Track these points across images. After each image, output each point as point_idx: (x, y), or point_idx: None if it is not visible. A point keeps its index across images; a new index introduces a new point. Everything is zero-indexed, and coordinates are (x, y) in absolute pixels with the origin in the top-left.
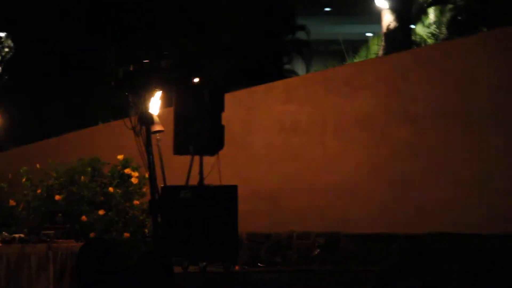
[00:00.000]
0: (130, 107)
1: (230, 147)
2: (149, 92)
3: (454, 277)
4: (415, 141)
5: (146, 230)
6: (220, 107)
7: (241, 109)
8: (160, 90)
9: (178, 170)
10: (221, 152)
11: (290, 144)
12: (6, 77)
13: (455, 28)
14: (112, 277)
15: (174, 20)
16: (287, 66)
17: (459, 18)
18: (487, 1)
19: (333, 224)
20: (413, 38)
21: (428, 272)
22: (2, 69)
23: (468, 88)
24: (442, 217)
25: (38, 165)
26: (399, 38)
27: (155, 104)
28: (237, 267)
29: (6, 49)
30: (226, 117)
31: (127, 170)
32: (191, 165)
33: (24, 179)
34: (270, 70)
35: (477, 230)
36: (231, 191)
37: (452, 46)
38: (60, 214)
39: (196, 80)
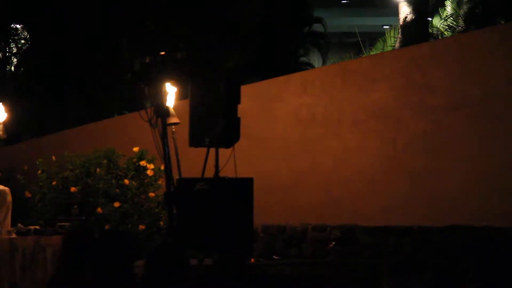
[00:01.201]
0: (145, 99)
1: (246, 139)
2: (165, 84)
3: (469, 271)
4: (432, 134)
5: (161, 223)
6: (236, 99)
7: (258, 101)
8: (176, 81)
9: (193, 162)
10: (237, 145)
11: (306, 136)
12: (22, 68)
13: (472, 20)
14: (127, 269)
15: (191, 11)
16: (303, 59)
17: (477, 10)
18: None
19: (349, 216)
20: (430, 30)
21: (442, 266)
22: (18, 60)
23: (485, 80)
24: (459, 210)
25: (54, 157)
26: (416, 31)
27: (170, 96)
28: (252, 260)
29: (23, 41)
30: (242, 109)
31: (142, 162)
32: (206, 158)
33: (39, 171)
34: (286, 62)
35: (494, 223)
36: (247, 183)
37: (470, 39)
38: (75, 206)
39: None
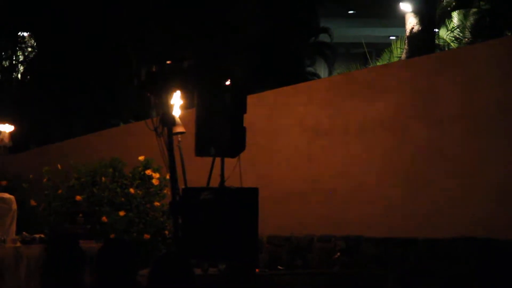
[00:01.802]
0: (152, 108)
1: (252, 149)
2: (171, 93)
3: (473, 281)
4: (437, 144)
5: (166, 232)
6: (242, 109)
7: (264, 111)
8: (182, 91)
9: (199, 172)
10: (242, 154)
11: (312, 146)
12: (28, 76)
13: (479, 32)
14: (130, 278)
15: (198, 21)
16: (309, 69)
17: (483, 22)
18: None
19: (354, 227)
20: (436, 42)
21: (447, 276)
22: (25, 69)
23: (491, 92)
24: (463, 221)
25: (59, 166)
26: (422, 42)
27: (177, 105)
28: (257, 270)
29: (29, 49)
30: (248, 118)
31: (148, 171)
32: (212, 167)
33: (45, 179)
34: (293, 72)
35: (498, 235)
36: (252, 193)
37: (477, 50)
38: (80, 215)
39: (219, 81)
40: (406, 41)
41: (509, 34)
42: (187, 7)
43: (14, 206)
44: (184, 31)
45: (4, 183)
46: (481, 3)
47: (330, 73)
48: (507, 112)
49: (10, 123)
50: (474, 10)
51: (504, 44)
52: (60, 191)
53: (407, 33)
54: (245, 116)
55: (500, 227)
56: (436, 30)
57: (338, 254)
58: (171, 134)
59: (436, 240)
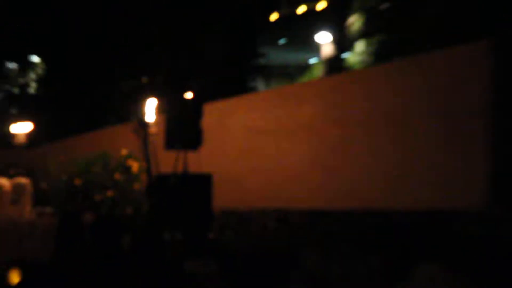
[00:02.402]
0: (132, 114)
1: (208, 144)
2: (147, 102)
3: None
4: (344, 140)
5: (143, 208)
6: (200, 114)
7: (216, 116)
8: (156, 100)
9: (168, 162)
10: (201, 148)
11: (252, 142)
12: (41, 91)
13: (378, 56)
14: (116, 241)
15: (167, 45)
16: (251, 84)
17: (381, 49)
18: (403, 37)
19: (284, 202)
20: (345, 64)
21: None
22: (38, 85)
23: (383, 102)
24: (366, 196)
25: (62, 157)
26: (334, 64)
27: (151, 111)
28: (211, 235)
29: (40, 71)
30: (205, 121)
31: (129, 162)
32: (177, 158)
33: (52, 168)
34: (239, 87)
35: (392, 208)
36: (208, 178)
37: (373, 71)
38: (79, 195)
39: (183, 94)
40: (323, 64)
41: (399, 59)
42: (162, 35)
43: (29, 187)
44: (158, 53)
45: (21, 170)
46: (379, 35)
47: (266, 87)
48: (394, 120)
49: (31, 122)
50: (375, 39)
51: (395, 66)
52: (63, 177)
53: (323, 58)
54: (203, 120)
55: (391, 202)
56: (345, 54)
57: (272, 222)
58: (146, 133)
59: (347, 212)
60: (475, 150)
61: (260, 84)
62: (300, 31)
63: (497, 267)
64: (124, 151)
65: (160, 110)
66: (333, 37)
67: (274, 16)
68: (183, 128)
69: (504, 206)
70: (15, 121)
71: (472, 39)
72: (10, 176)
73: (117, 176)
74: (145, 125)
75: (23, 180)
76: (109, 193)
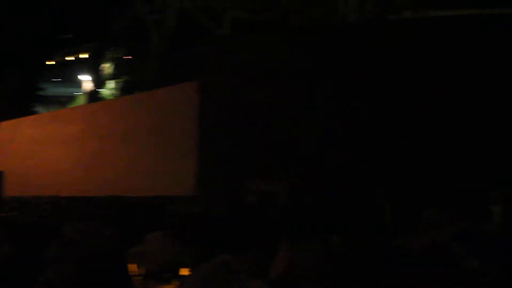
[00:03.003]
0: None
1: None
2: None
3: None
4: (101, 148)
5: None
6: None
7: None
8: None
9: None
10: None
11: (34, 152)
12: None
13: (123, 91)
14: None
15: None
16: (34, 109)
17: (125, 86)
18: (139, 79)
19: (57, 190)
20: (101, 95)
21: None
22: None
23: (124, 122)
24: (115, 186)
25: None
26: (93, 95)
27: None
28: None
29: None
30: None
31: None
32: None
33: None
34: (24, 111)
35: (131, 193)
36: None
37: (120, 101)
38: None
39: None
40: (85, 95)
41: (136, 93)
42: None
43: None
44: None
45: None
46: (124, 77)
47: (45, 111)
48: (130, 135)
49: None
50: (120, 80)
51: (134, 98)
52: None
53: (84, 91)
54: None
55: (131, 191)
56: (101, 89)
57: (49, 207)
58: None
59: (101, 198)
60: (187, 155)
61: (40, 109)
62: (69, 72)
63: (203, 235)
64: None
65: None
66: (92, 77)
67: (51, 61)
68: None
69: (207, 192)
70: None
71: (186, 81)
72: None
73: None
74: None
75: None
76: None
